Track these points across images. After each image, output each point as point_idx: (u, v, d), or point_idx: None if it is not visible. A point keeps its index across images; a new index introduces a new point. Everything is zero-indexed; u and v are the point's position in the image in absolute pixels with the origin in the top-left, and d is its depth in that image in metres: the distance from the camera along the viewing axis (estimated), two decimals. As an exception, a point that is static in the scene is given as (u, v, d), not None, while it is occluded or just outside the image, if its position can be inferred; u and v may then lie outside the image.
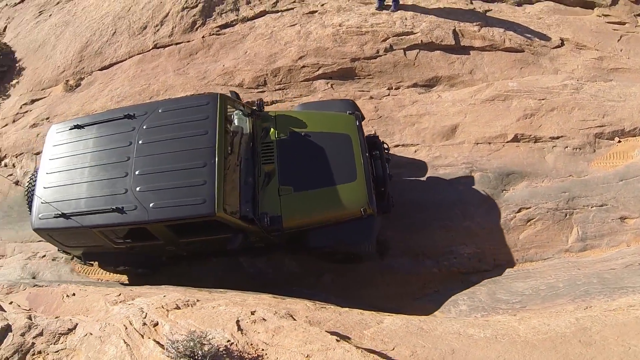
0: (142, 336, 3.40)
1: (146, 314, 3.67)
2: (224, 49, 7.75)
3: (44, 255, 6.72)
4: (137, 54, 8.01)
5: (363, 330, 3.43)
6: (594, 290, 5.04)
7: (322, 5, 8.06)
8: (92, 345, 3.51)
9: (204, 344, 2.87)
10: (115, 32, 8.23)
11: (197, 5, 8.13)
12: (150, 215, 4.74)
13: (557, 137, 6.91)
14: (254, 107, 5.74)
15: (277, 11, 7.92)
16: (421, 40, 7.39)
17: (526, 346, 3.18)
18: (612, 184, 6.56)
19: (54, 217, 4.98)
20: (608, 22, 8.35)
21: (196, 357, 2.81)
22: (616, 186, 6.54)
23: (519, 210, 6.28)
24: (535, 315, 3.89)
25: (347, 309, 4.05)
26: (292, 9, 7.89)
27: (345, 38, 7.39)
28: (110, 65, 8.07)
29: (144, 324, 3.51)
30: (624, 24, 8.36)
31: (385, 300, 5.57)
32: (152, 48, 8.00)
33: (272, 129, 5.59)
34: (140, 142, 5.15)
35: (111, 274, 6.56)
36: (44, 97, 8.01)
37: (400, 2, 7.84)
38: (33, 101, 8.04)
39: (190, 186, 4.79)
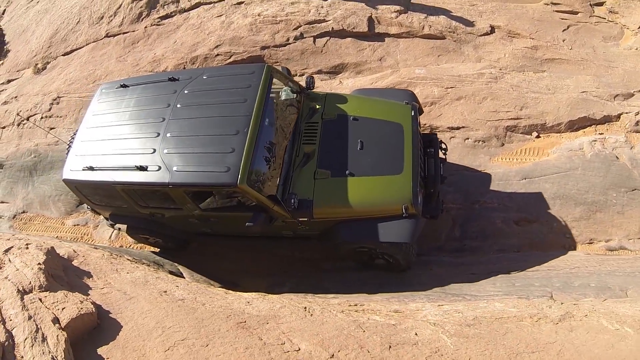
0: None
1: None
2: (159, 38, 8.38)
3: (-10, 214, 7.86)
4: (92, 42, 8.89)
5: (110, 274, 3.98)
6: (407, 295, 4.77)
7: (251, -5, 8.34)
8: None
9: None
10: (79, 21, 9.18)
11: (145, -3, 8.82)
12: (172, 178, 4.60)
13: (458, 128, 6.72)
14: (304, 85, 5.61)
15: (210, 2, 8.38)
16: (332, 28, 7.47)
17: (206, 314, 3.40)
18: (512, 182, 6.24)
19: (82, 169, 5.00)
20: (557, 11, 7.83)
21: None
22: (516, 184, 6.21)
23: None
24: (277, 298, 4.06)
25: (129, 264, 4.54)
26: (224, 0, 8.28)
27: (261, 27, 7.68)
28: (72, 51, 9.03)
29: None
30: (576, 13, 7.76)
31: (232, 274, 5.86)
32: (105, 37, 8.83)
33: (318, 108, 5.39)
34: (178, 105, 5.09)
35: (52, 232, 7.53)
36: (18, 78, 9.19)
37: None
38: (9, 81, 9.25)
39: (218, 153, 4.61)
